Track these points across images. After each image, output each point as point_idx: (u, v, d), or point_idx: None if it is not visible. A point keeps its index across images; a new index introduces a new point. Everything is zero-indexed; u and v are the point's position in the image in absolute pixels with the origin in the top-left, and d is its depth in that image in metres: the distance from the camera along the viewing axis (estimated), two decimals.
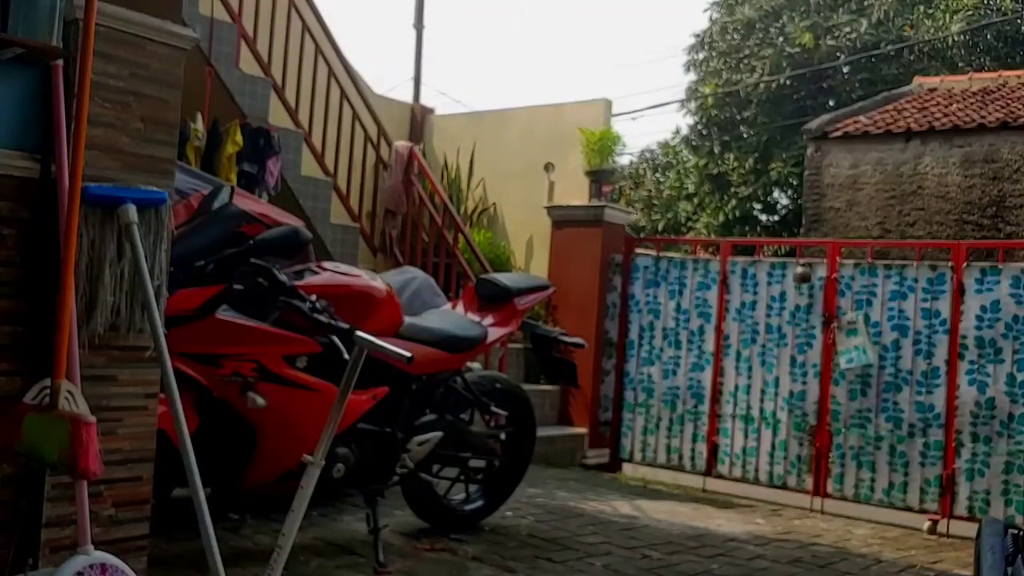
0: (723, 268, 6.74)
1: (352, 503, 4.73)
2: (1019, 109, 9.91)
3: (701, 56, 16.17)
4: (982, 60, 14.36)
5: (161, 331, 2.56)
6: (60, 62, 2.50)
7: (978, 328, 5.73)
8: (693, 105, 15.81)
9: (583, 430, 7.25)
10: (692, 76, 16.32)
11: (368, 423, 3.84)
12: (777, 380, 6.43)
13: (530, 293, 4.70)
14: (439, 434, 4.16)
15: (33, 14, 2.40)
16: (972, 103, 10.60)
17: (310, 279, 3.78)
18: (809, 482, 6.25)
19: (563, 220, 7.67)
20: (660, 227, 15.88)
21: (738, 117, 15.08)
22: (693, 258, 7.33)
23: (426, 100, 16.24)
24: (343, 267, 4.19)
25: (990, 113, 9.97)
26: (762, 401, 6.50)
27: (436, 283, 5.10)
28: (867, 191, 10.32)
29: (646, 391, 7.04)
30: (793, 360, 6.39)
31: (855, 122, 10.73)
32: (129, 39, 2.64)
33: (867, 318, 6.09)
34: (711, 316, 6.77)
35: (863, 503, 6.02)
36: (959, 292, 5.82)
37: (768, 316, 6.53)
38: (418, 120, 9.70)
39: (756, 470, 6.48)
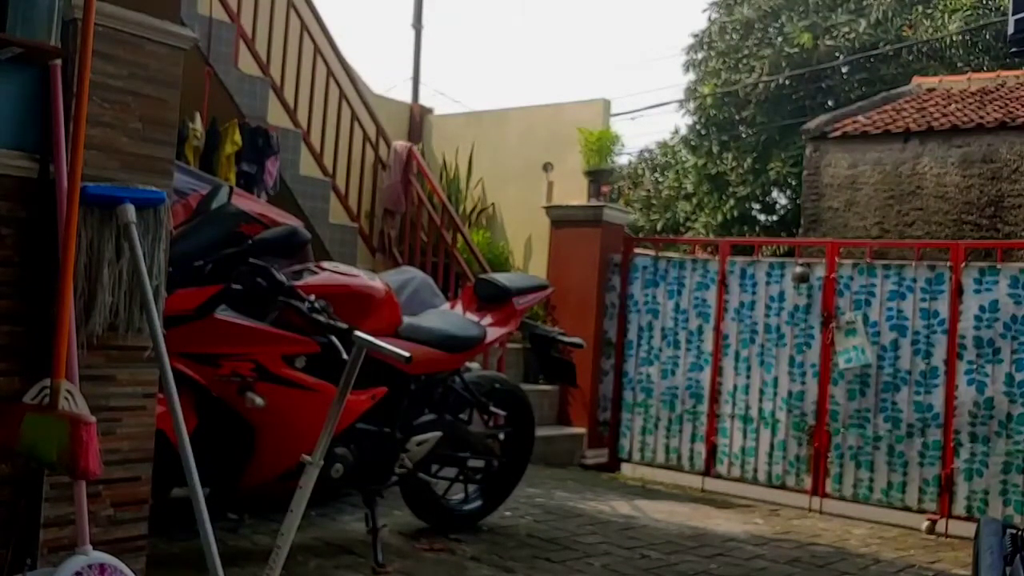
0: (722, 268, 6.74)
1: (351, 503, 4.73)
2: (1017, 109, 9.91)
3: (700, 56, 16.18)
4: (981, 60, 14.37)
5: (160, 331, 2.56)
6: (59, 62, 2.50)
7: (976, 328, 5.73)
8: (692, 105, 15.81)
9: (582, 430, 7.25)
10: (691, 76, 16.33)
11: (367, 423, 3.84)
12: (776, 380, 6.43)
13: (529, 293, 4.70)
14: (438, 434, 4.16)
15: (32, 14, 2.40)
16: (971, 103, 10.61)
17: (309, 279, 3.78)
18: (808, 482, 6.25)
19: (562, 220, 7.67)
20: (659, 227, 15.88)
21: (737, 117, 15.08)
22: (692, 258, 7.33)
23: (425, 100, 16.25)
24: (342, 267, 4.19)
25: (988, 113, 9.98)
26: (761, 401, 6.50)
27: (435, 283, 5.11)
28: (866, 191, 10.33)
29: (645, 391, 7.04)
30: (792, 360, 6.39)
31: (854, 122, 10.74)
32: (128, 39, 2.64)
33: (866, 318, 6.09)
34: (710, 316, 6.77)
35: (862, 503, 6.02)
36: (957, 292, 5.82)
37: (767, 316, 6.53)
38: (417, 120, 9.70)
39: (755, 470, 6.48)
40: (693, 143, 15.74)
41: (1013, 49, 4.61)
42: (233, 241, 3.54)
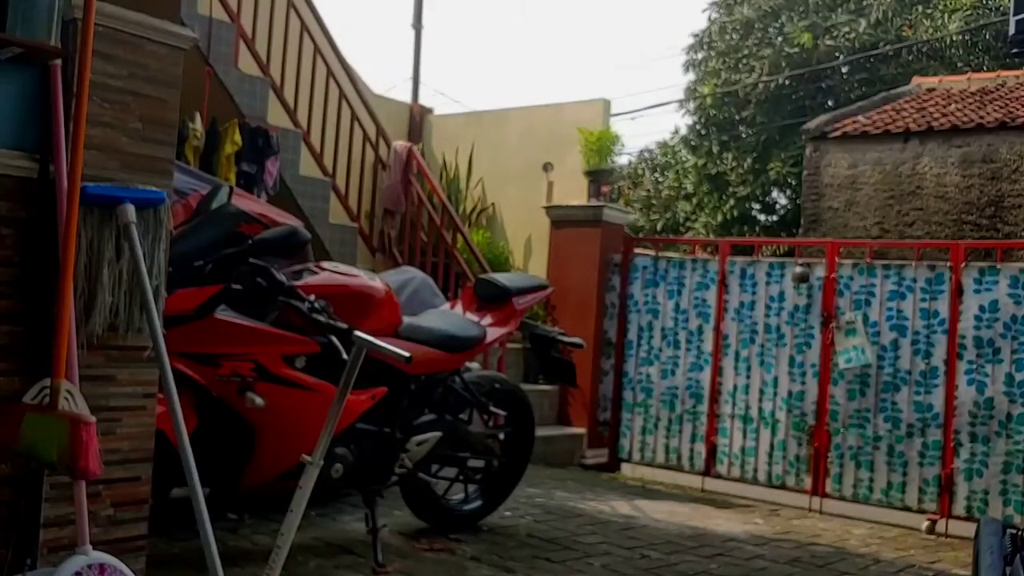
0: (722, 268, 6.74)
1: (351, 503, 4.73)
2: (1017, 109, 9.91)
3: (700, 56, 16.18)
4: (981, 60, 14.37)
5: (160, 331, 2.56)
6: (59, 62, 2.50)
7: (976, 328, 5.73)
8: (692, 105, 15.81)
9: (582, 430, 7.24)
10: (691, 76, 16.33)
11: (367, 423, 3.84)
12: (776, 380, 6.43)
13: (529, 293, 4.71)
14: (438, 434, 4.16)
15: (32, 14, 2.40)
16: (970, 103, 10.61)
17: (309, 279, 3.78)
18: (808, 482, 6.25)
19: (562, 220, 7.67)
20: (659, 227, 15.88)
21: (737, 117, 15.08)
22: (692, 258, 7.33)
23: (425, 100, 16.25)
24: (342, 267, 4.19)
25: (988, 113, 9.98)
26: (761, 401, 6.50)
27: (435, 283, 5.11)
28: (865, 191, 10.33)
29: (645, 391, 7.04)
30: (792, 360, 6.39)
31: (854, 122, 10.74)
32: (128, 39, 2.64)
33: (866, 318, 6.09)
34: (710, 316, 6.77)
35: (862, 503, 6.02)
36: (957, 292, 5.82)
37: (767, 316, 6.53)
38: (417, 120, 9.70)
39: (755, 470, 6.48)
40: (693, 143, 15.74)
41: (1015, 50, 4.61)
42: (233, 241, 3.54)
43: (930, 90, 11.64)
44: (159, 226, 2.65)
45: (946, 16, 14.36)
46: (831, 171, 10.60)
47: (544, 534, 4.66)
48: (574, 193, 8.24)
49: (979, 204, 9.63)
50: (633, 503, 5.84)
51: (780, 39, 14.97)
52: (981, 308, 5.73)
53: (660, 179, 17.16)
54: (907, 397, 5.93)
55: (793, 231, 12.64)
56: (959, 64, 14.08)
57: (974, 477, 5.66)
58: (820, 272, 6.33)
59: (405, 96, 10.75)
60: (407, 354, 2.77)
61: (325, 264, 4.14)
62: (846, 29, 14.44)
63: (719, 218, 14.62)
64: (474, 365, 4.72)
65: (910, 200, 10.04)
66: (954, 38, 14.28)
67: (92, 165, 2.53)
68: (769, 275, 6.56)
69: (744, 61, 15.26)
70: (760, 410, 6.49)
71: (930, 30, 14.43)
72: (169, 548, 3.57)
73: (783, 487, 6.35)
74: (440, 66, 36.70)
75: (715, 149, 15.09)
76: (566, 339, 4.91)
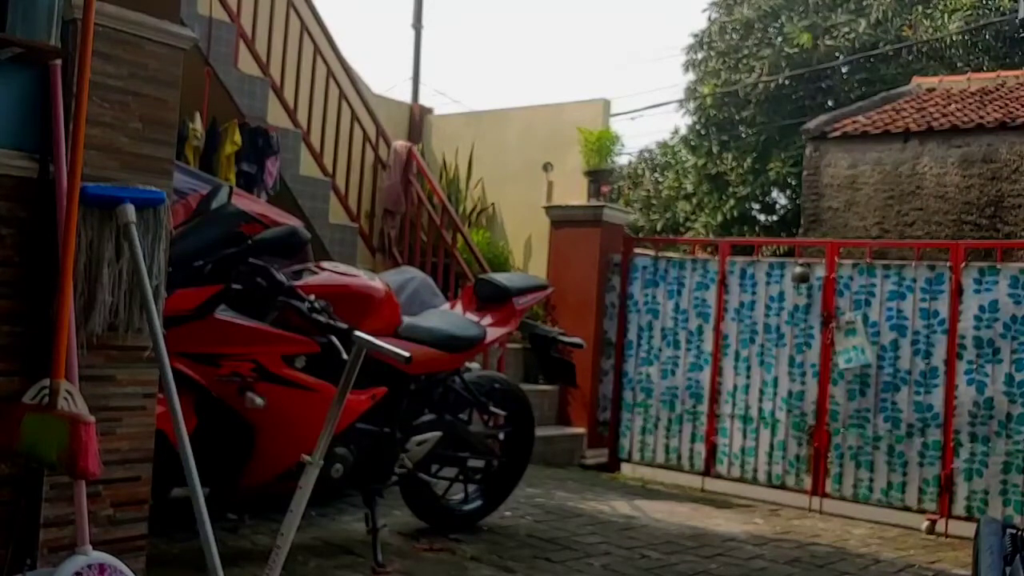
0: (722, 268, 6.74)
1: (351, 503, 4.73)
2: (1017, 109, 9.91)
3: (700, 56, 16.19)
4: (980, 60, 14.37)
5: (160, 331, 2.56)
6: (59, 62, 2.50)
7: (976, 328, 5.73)
8: (692, 105, 15.83)
9: (582, 430, 7.24)
10: (691, 76, 16.35)
11: (367, 423, 3.84)
12: (776, 380, 6.43)
13: (529, 293, 4.70)
14: (438, 434, 4.16)
15: (32, 13, 2.40)
16: (970, 103, 10.61)
17: (309, 279, 3.78)
18: (808, 482, 6.25)
19: (562, 220, 7.67)
20: (659, 227, 15.89)
21: (737, 117, 15.09)
22: (692, 258, 7.33)
23: (425, 100, 16.27)
24: (342, 267, 4.19)
25: (988, 113, 9.98)
26: (761, 401, 6.50)
27: (435, 283, 5.10)
28: (865, 191, 10.33)
29: (645, 391, 7.04)
30: (792, 360, 6.39)
31: (853, 122, 10.74)
32: (128, 39, 2.64)
33: (865, 318, 6.09)
34: (710, 316, 6.77)
35: (862, 503, 6.02)
36: (957, 292, 5.82)
37: (767, 316, 6.52)
38: (417, 120, 9.70)
39: (755, 470, 6.48)
40: (693, 143, 15.75)
41: None
42: (233, 241, 3.54)
43: (930, 90, 11.64)
44: (159, 226, 2.65)
45: (946, 16, 14.37)
46: (831, 171, 10.60)
47: (544, 534, 4.66)
48: (574, 193, 8.24)
49: (979, 204, 9.63)
50: (633, 503, 5.83)
51: (780, 39, 14.98)
52: (981, 308, 5.73)
53: (660, 179, 17.17)
54: (907, 397, 5.93)
55: (793, 231, 12.64)
56: (959, 64, 14.09)
57: (974, 477, 5.66)
58: (820, 272, 6.33)
59: (405, 96, 10.77)
60: (407, 354, 2.77)
61: (325, 264, 4.15)
62: (846, 29, 14.45)
63: (719, 218, 14.63)
64: (474, 365, 4.72)
65: (910, 200, 10.04)
66: (954, 38, 14.29)
67: (92, 165, 2.54)
68: (769, 275, 6.56)
69: (744, 61, 15.27)
70: (760, 410, 6.49)
71: (930, 30, 14.44)
72: (169, 548, 3.57)
73: (783, 487, 6.35)
74: (440, 66, 36.73)
75: (715, 149, 15.10)
76: (566, 339, 4.90)
